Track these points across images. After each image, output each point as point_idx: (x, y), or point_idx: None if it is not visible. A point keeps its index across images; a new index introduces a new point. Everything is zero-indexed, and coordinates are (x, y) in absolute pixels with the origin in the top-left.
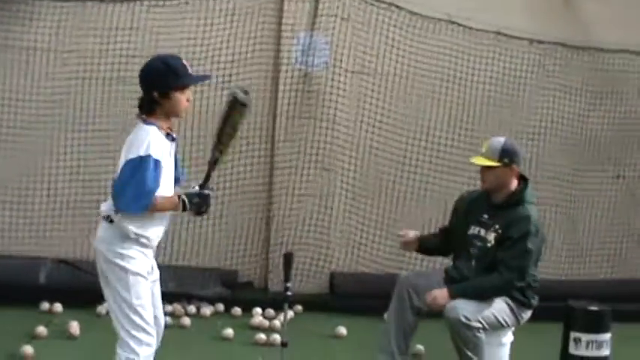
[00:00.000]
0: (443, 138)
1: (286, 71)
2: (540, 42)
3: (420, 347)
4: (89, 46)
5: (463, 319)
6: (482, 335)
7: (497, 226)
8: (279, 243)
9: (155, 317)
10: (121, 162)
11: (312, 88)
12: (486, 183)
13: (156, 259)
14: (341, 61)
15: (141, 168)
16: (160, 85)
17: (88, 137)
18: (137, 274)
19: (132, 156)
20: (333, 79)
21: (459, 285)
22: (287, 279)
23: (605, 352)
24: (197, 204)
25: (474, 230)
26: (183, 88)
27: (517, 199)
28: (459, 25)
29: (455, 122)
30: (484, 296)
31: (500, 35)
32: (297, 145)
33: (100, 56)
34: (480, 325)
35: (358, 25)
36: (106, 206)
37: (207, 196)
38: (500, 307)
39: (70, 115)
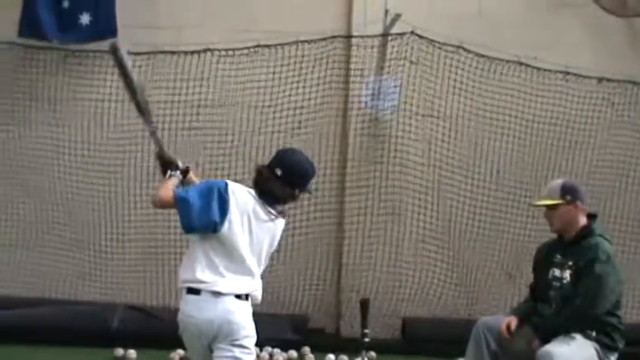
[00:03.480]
0: (512, 180)
1: (356, 116)
2: (609, 80)
3: None
4: (161, 97)
5: None
6: None
7: (570, 263)
8: (351, 289)
9: None
10: None
11: (382, 132)
12: (553, 224)
13: None
14: (410, 104)
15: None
16: (296, 184)
17: None
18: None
19: None
20: (402, 123)
21: (537, 325)
22: (364, 325)
23: None
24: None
25: (551, 273)
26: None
27: (585, 232)
28: (527, 65)
29: (523, 163)
30: (561, 329)
31: (569, 74)
32: (368, 190)
33: (171, 107)
34: None
35: (426, 68)
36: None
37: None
38: (589, 353)
39: (143, 166)
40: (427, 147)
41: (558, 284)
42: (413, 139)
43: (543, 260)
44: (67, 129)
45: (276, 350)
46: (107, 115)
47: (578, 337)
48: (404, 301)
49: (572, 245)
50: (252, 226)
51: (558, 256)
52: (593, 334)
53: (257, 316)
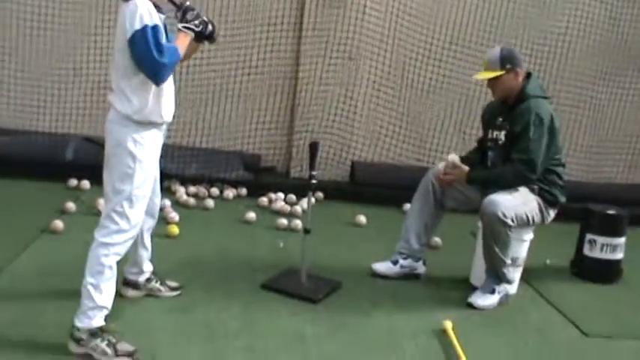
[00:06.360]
0: (468, 33)
1: None
2: None
3: (437, 239)
4: None
5: (500, 215)
6: (512, 233)
7: (507, 125)
8: (303, 130)
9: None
10: (119, 45)
11: None
12: (497, 93)
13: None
14: None
15: (146, 36)
16: None
17: None
18: (144, 161)
19: (136, 27)
20: None
21: (477, 172)
22: (312, 167)
23: (619, 255)
24: (194, 18)
25: (491, 135)
26: None
27: (521, 96)
28: None
29: (481, 18)
30: (498, 186)
31: None
32: (325, 34)
33: None
34: (513, 222)
35: None
36: (115, 99)
37: (190, 7)
38: (532, 207)
39: None
40: None
41: (493, 145)
42: None
43: (486, 121)
44: None
45: (227, 186)
46: None
47: (522, 189)
48: (355, 146)
49: (512, 109)
50: None
51: (500, 119)
52: (536, 187)
53: (209, 153)
